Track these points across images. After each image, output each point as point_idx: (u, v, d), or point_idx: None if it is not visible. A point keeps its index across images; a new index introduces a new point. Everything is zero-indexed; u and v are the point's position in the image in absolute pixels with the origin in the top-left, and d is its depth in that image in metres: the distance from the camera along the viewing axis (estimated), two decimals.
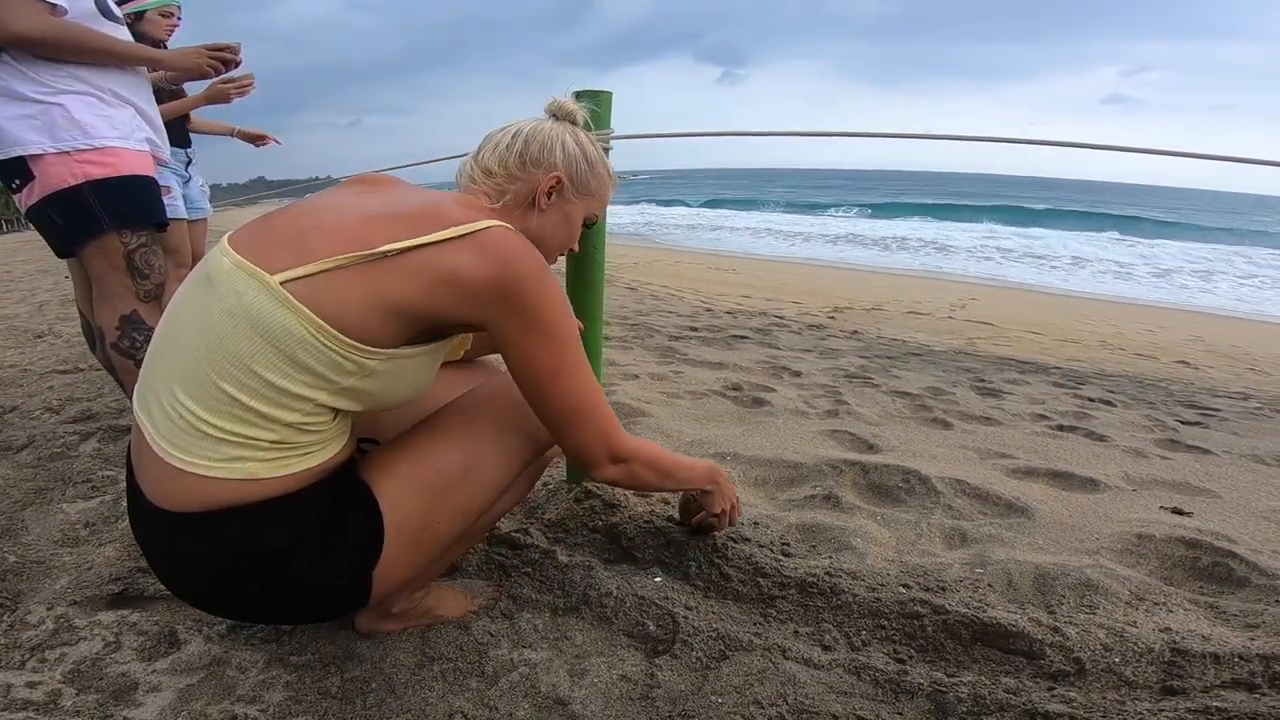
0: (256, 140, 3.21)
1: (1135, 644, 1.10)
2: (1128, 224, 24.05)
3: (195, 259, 2.81)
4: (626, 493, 1.61)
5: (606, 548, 1.44)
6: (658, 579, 1.33)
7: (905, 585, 1.28)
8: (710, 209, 26.33)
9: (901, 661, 1.12)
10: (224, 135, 3.16)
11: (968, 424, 2.61)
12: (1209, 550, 1.47)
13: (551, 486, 1.65)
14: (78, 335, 3.78)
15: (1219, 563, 1.43)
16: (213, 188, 3.39)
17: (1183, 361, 5.02)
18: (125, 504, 1.59)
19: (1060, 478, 2.01)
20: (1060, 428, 2.68)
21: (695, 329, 4.49)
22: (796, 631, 1.19)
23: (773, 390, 2.85)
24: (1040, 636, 1.13)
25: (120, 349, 1.74)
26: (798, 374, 3.28)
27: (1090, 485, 1.95)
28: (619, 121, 1.44)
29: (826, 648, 1.15)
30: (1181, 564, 1.46)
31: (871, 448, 2.16)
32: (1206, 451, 2.46)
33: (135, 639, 1.16)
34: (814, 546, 1.47)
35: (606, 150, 1.43)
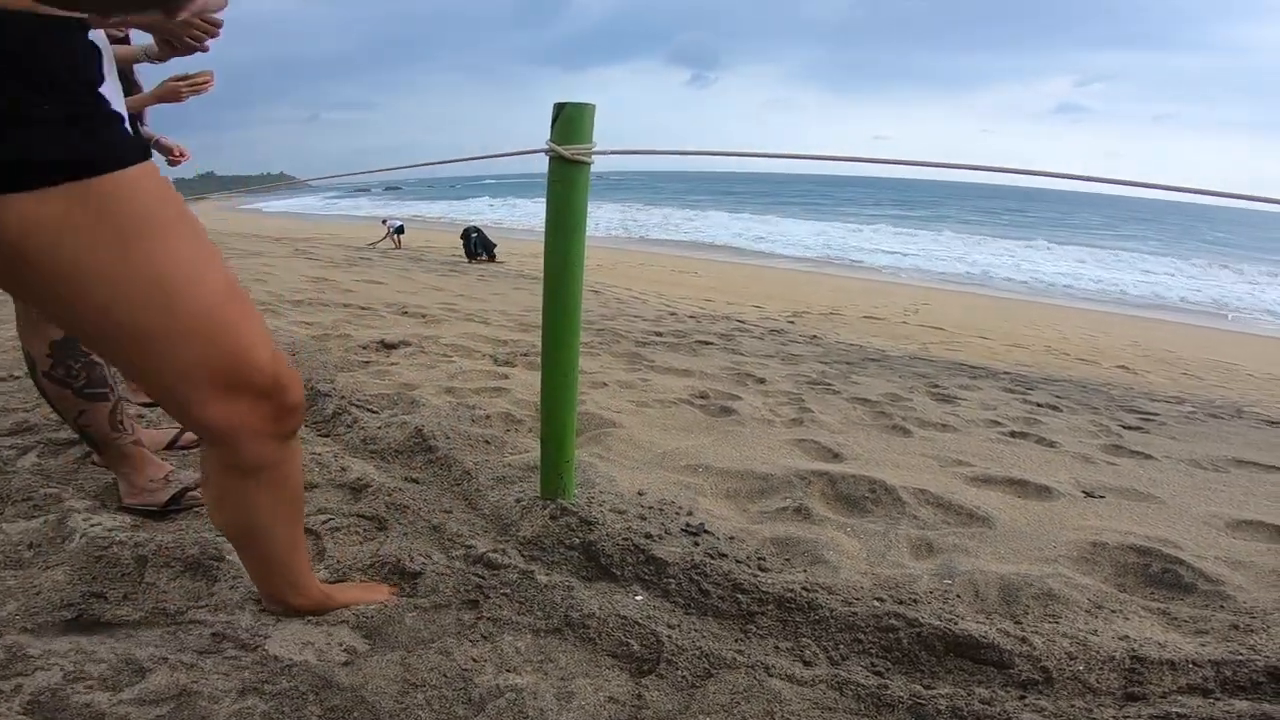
0: (168, 155, 3.07)
1: (1097, 652, 1.16)
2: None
3: None
4: (603, 508, 1.61)
5: (585, 565, 1.44)
6: (639, 597, 1.34)
7: (879, 599, 1.31)
8: (674, 211, 26.62)
9: (880, 675, 1.15)
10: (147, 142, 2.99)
11: (926, 431, 2.69)
12: (1158, 557, 1.55)
13: (525, 503, 1.64)
14: (12, 339, 3.58)
15: (1168, 569, 1.51)
16: None
17: (1123, 366, 5.26)
18: (70, 523, 1.52)
19: (1016, 485, 2.09)
20: (1013, 434, 2.78)
21: (660, 334, 4.51)
22: (777, 647, 1.21)
23: (739, 399, 2.88)
24: (1009, 647, 1.17)
25: (54, 378, 1.59)
26: (762, 381, 3.33)
27: (1044, 493, 2.03)
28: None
29: (808, 663, 1.17)
30: (1133, 571, 1.53)
31: (837, 456, 2.20)
32: (1149, 457, 2.59)
33: (96, 667, 1.10)
34: (788, 560, 1.50)
35: (588, 164, 1.43)
